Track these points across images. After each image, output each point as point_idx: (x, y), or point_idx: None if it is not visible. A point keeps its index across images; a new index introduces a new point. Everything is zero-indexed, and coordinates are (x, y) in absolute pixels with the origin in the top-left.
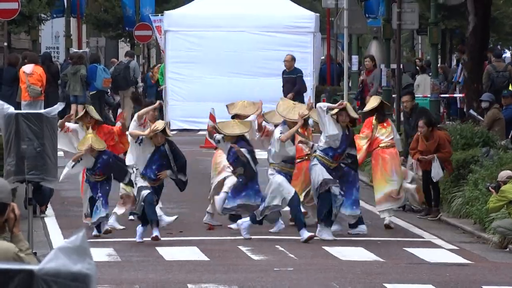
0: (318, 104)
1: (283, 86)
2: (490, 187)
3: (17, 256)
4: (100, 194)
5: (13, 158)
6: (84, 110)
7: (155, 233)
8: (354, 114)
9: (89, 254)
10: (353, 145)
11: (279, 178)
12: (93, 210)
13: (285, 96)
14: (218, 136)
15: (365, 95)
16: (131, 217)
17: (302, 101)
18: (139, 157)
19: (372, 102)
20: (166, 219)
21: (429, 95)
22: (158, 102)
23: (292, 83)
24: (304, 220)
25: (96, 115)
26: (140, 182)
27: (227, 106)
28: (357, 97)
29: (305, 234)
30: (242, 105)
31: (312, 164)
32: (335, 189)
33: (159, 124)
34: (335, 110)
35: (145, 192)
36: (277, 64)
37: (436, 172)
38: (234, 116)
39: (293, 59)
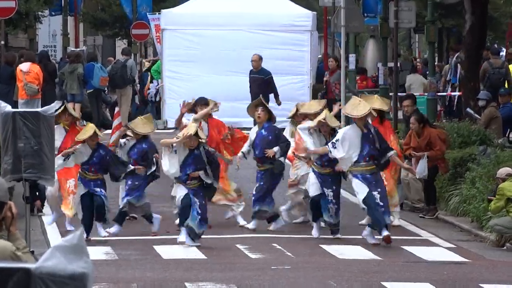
0: (298, 127)
1: (250, 86)
2: (488, 198)
3: (14, 254)
4: (99, 191)
5: (10, 156)
6: (64, 107)
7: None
8: (333, 123)
9: (86, 253)
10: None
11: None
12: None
13: (252, 97)
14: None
15: (329, 96)
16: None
17: (268, 102)
18: (175, 164)
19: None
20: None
21: (424, 94)
22: (213, 103)
23: (259, 84)
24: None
25: (74, 113)
26: (180, 190)
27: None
28: (322, 98)
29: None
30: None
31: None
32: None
33: (191, 128)
34: (315, 123)
35: (181, 196)
36: (275, 62)
37: (422, 169)
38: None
39: (260, 58)
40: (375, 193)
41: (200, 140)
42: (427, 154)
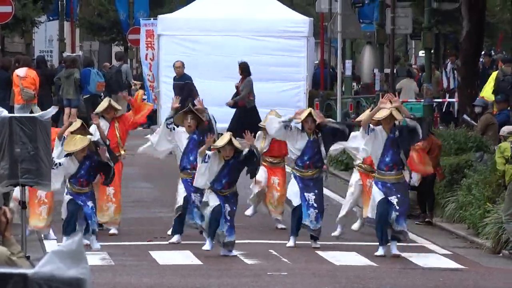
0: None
1: (174, 93)
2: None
3: (9, 259)
4: (89, 204)
5: (6, 161)
6: (108, 101)
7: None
8: (320, 119)
9: (84, 258)
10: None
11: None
12: (88, 219)
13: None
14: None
15: (240, 103)
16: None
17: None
18: (204, 174)
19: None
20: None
21: (420, 100)
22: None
23: (181, 89)
24: None
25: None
26: (208, 198)
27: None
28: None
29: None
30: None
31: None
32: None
33: (224, 139)
34: (302, 117)
35: (211, 207)
36: (271, 68)
37: (414, 176)
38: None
39: (183, 65)
40: (392, 197)
41: (236, 149)
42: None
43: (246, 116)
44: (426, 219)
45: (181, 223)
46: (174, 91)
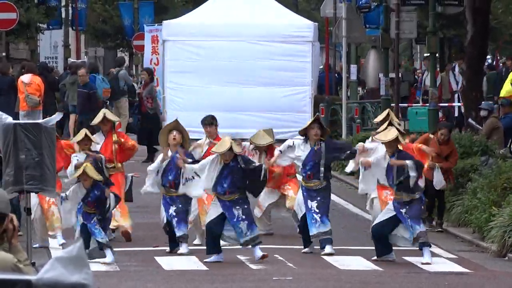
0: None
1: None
2: None
3: (16, 266)
4: (94, 221)
5: (11, 168)
6: (103, 115)
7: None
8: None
9: (86, 264)
10: (329, 160)
11: None
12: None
13: (79, 110)
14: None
15: (142, 110)
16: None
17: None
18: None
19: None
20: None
21: (426, 105)
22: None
23: (84, 97)
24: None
25: (113, 118)
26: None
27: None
28: (134, 112)
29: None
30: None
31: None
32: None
33: (224, 146)
34: (307, 125)
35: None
36: (276, 73)
37: (439, 180)
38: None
39: (86, 73)
40: (403, 210)
41: (236, 153)
42: (445, 165)
43: (148, 122)
44: (437, 229)
45: (172, 237)
46: (78, 99)
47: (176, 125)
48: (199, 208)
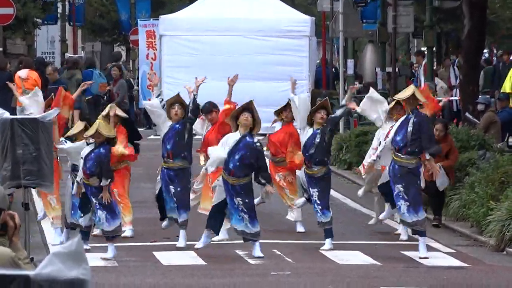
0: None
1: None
2: None
3: (14, 261)
4: (97, 203)
5: (9, 163)
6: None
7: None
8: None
9: (84, 260)
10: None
11: None
12: (93, 217)
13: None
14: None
15: None
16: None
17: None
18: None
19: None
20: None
21: None
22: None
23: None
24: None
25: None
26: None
27: None
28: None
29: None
30: None
31: None
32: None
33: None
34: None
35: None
36: (273, 68)
37: (443, 181)
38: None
39: (55, 70)
40: (399, 185)
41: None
42: (446, 163)
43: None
44: (433, 223)
45: (162, 209)
46: (49, 96)
47: (178, 99)
48: (203, 187)
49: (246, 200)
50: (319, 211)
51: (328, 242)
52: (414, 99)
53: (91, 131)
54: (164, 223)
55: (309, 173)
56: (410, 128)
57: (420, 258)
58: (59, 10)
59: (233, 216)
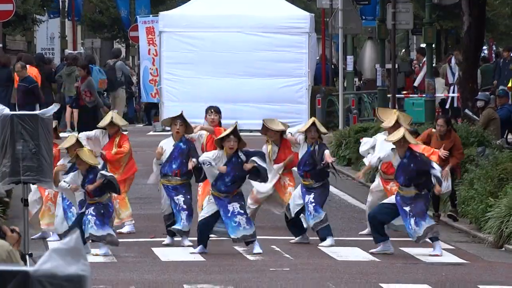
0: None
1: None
2: None
3: (9, 254)
4: (91, 212)
5: (8, 159)
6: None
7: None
8: (323, 129)
9: (83, 256)
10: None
11: None
12: (83, 224)
13: (19, 106)
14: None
15: (80, 103)
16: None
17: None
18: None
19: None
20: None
21: (422, 96)
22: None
23: (23, 92)
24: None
25: (120, 122)
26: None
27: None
28: (72, 105)
29: None
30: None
31: None
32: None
33: (229, 129)
34: (305, 128)
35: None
36: (272, 64)
37: (447, 185)
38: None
39: (23, 67)
40: (407, 208)
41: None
42: (452, 162)
43: (88, 116)
44: (449, 213)
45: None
46: (17, 93)
47: (180, 116)
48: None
49: (242, 203)
50: (311, 210)
51: (329, 240)
52: (405, 141)
53: (73, 158)
54: (169, 239)
55: (305, 184)
56: (411, 169)
57: (430, 255)
58: (60, 6)
59: (228, 227)
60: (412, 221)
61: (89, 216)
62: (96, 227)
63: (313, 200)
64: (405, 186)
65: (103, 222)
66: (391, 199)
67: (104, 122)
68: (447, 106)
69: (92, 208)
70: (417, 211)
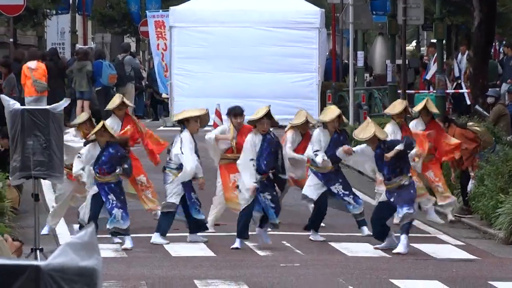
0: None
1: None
2: None
3: (2, 243)
4: (112, 200)
5: (19, 154)
6: (122, 99)
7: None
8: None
9: (97, 250)
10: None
11: None
12: (109, 216)
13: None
14: None
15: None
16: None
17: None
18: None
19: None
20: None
21: (432, 92)
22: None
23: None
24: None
25: (128, 103)
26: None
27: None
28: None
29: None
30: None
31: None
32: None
33: (260, 112)
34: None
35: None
36: (283, 59)
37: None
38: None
39: (4, 65)
40: (393, 198)
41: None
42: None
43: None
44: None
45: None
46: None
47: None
48: (223, 184)
49: (275, 193)
50: (353, 199)
51: (365, 229)
52: (374, 137)
53: (96, 128)
54: (192, 236)
55: (322, 170)
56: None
57: (393, 253)
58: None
59: (268, 211)
60: (399, 208)
61: (116, 210)
62: (123, 221)
63: (348, 193)
64: (388, 180)
65: (127, 213)
66: (383, 197)
67: (113, 104)
68: (468, 102)
69: (111, 194)
70: (402, 197)
